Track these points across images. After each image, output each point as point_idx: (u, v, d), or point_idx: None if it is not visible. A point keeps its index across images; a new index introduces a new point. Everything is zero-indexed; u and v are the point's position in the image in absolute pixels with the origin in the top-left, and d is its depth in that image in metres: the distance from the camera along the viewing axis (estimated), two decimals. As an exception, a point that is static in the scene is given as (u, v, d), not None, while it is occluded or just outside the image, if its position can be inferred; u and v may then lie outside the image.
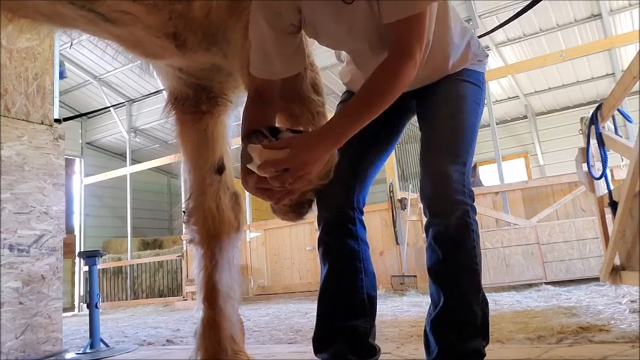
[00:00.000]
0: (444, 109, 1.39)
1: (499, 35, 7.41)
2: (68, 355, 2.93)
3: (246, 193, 1.41)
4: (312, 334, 1.47)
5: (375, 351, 1.45)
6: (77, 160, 10.61)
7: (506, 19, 4.25)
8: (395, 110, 1.36)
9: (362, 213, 1.51)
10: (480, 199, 5.84)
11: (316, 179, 1.20)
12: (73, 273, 9.55)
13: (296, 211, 1.47)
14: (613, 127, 2.65)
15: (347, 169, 1.40)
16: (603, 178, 2.69)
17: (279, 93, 1.49)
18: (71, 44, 6.81)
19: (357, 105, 1.18)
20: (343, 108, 1.20)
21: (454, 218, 1.31)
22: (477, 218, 1.36)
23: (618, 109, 2.49)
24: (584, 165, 2.80)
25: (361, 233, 1.49)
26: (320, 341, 1.44)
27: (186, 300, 7.39)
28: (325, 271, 1.47)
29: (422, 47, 1.18)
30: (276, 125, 1.37)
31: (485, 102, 6.92)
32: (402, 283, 5.80)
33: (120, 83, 9.61)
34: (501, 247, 5.10)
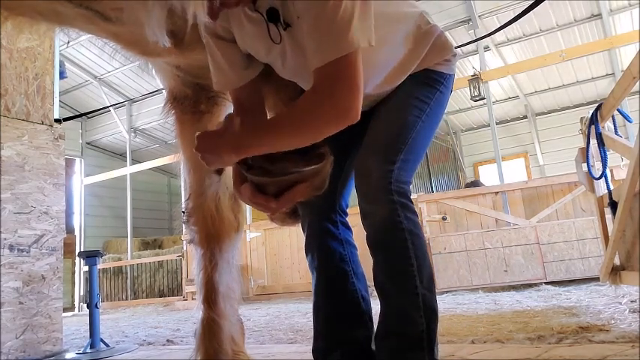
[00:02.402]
0: (383, 108, 1.34)
1: (499, 35, 7.40)
2: (68, 355, 2.93)
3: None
4: (312, 345, 1.45)
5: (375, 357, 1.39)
6: (77, 160, 10.60)
7: (505, 18, 4.25)
8: (370, 113, 1.37)
9: (345, 215, 1.48)
10: (479, 199, 5.84)
11: (311, 189, 1.19)
12: (73, 273, 9.55)
13: (292, 217, 1.48)
14: (613, 127, 2.65)
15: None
16: (603, 178, 2.68)
17: (281, 97, 1.49)
18: (67, 43, 6.81)
19: (268, 133, 1.14)
20: (255, 127, 1.18)
21: (380, 218, 1.25)
22: (412, 216, 1.27)
23: (618, 109, 2.48)
24: (584, 165, 2.79)
25: (345, 235, 1.46)
26: (320, 353, 1.41)
27: (186, 300, 7.38)
28: (315, 279, 1.45)
29: (354, 94, 1.07)
30: None
31: (485, 102, 6.90)
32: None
33: (120, 83, 9.61)
34: (501, 247, 5.10)
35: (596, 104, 2.69)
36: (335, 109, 1.07)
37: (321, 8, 1.06)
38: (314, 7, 1.07)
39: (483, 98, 6.67)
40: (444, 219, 5.80)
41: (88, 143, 10.91)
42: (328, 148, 1.16)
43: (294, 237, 6.85)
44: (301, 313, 4.24)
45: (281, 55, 1.25)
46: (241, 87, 1.35)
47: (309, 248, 1.48)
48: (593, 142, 2.69)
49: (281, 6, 1.16)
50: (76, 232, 10.17)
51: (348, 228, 1.49)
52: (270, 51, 1.25)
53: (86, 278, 7.46)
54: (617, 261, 2.51)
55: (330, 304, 1.43)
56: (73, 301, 9.36)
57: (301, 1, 1.10)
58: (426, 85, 1.37)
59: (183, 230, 7.19)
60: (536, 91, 9.38)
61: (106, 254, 9.45)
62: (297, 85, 1.42)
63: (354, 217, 1.51)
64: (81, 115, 9.73)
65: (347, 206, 1.51)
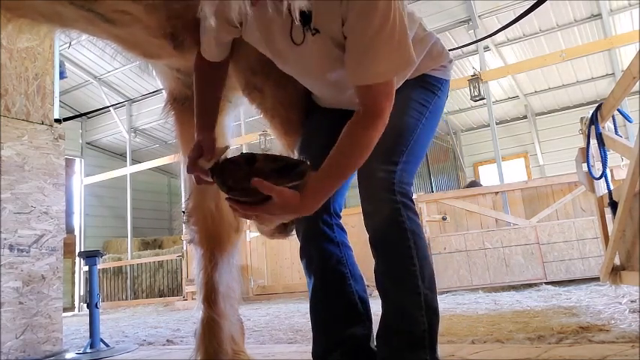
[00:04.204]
0: None
1: (499, 35, 7.40)
2: (68, 355, 2.93)
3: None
4: (311, 348, 1.45)
5: (376, 356, 1.38)
6: (77, 160, 10.61)
7: (505, 18, 4.25)
8: None
9: (339, 217, 1.49)
10: (479, 199, 5.84)
11: None
12: (73, 273, 9.55)
13: (282, 232, 1.49)
14: (613, 127, 2.65)
15: None
16: (603, 178, 2.68)
17: (280, 100, 1.50)
18: (70, 44, 6.82)
19: (330, 171, 1.17)
20: (317, 178, 1.18)
21: (383, 218, 1.27)
22: (414, 217, 1.29)
23: (618, 109, 2.48)
24: (584, 165, 2.79)
25: (341, 237, 1.47)
26: (319, 354, 1.41)
27: (186, 300, 7.38)
28: (312, 282, 1.45)
29: (391, 103, 1.18)
30: (255, 152, 1.39)
31: (485, 102, 6.89)
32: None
33: (120, 83, 9.61)
34: (501, 247, 5.10)
35: (596, 104, 2.69)
36: (383, 122, 1.17)
37: (376, 29, 1.11)
38: (368, 26, 1.12)
39: (483, 98, 6.67)
40: (444, 219, 5.80)
41: (88, 143, 10.91)
42: (308, 165, 1.18)
43: (293, 237, 6.85)
44: (301, 313, 4.24)
45: (297, 54, 1.27)
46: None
47: (304, 252, 1.48)
48: (593, 142, 2.69)
49: (314, 7, 1.17)
50: (76, 232, 10.17)
51: (343, 230, 1.50)
52: (287, 48, 1.27)
53: (86, 278, 7.46)
54: (617, 261, 2.51)
55: (327, 306, 1.43)
56: (73, 301, 9.36)
57: (353, 17, 1.13)
58: (425, 90, 1.41)
59: (183, 230, 7.19)
60: (536, 91, 9.39)
61: (106, 254, 9.45)
62: (296, 88, 1.43)
63: (352, 217, 1.51)
64: (81, 115, 9.74)
65: (341, 209, 1.51)
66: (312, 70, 1.31)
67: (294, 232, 1.53)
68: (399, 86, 1.38)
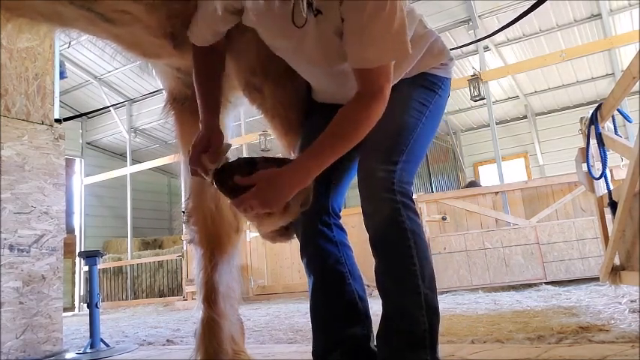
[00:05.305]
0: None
1: (499, 35, 7.40)
2: (68, 355, 2.93)
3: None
4: (311, 348, 1.44)
5: (376, 356, 1.37)
6: (77, 160, 10.61)
7: (505, 18, 4.25)
8: None
9: (339, 217, 1.49)
10: (479, 199, 5.84)
11: (296, 208, 1.24)
12: (74, 273, 9.55)
13: (284, 235, 1.49)
14: (613, 127, 2.65)
15: (320, 176, 1.30)
16: (603, 178, 2.69)
17: (280, 99, 1.50)
18: (69, 44, 6.83)
19: (325, 146, 1.19)
20: (310, 148, 1.20)
21: (383, 218, 1.27)
22: (414, 217, 1.28)
23: (618, 109, 2.48)
24: (584, 165, 2.79)
25: (340, 237, 1.46)
26: (319, 354, 1.41)
27: (186, 300, 7.39)
28: (311, 282, 1.45)
29: (390, 84, 1.20)
30: (254, 156, 1.40)
31: (485, 102, 6.88)
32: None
33: (120, 83, 9.61)
34: (501, 247, 5.10)
35: (596, 104, 2.69)
36: (382, 100, 1.19)
37: (370, 12, 1.13)
38: (361, 7, 1.13)
39: (483, 98, 6.67)
40: (443, 219, 5.80)
41: (88, 143, 10.91)
42: None
43: (293, 238, 6.84)
44: (301, 313, 4.24)
45: (298, 40, 1.26)
46: (210, 52, 1.40)
47: (304, 251, 1.47)
48: (593, 142, 2.69)
49: None
50: (76, 232, 10.17)
51: (342, 230, 1.49)
52: (285, 32, 1.25)
53: (86, 278, 7.46)
54: (617, 261, 2.51)
55: (327, 306, 1.43)
56: (73, 301, 9.36)
57: (350, 2, 1.14)
58: (425, 89, 1.41)
59: (183, 230, 7.19)
60: (536, 91, 9.39)
61: (106, 254, 9.45)
62: (296, 88, 1.43)
63: (352, 217, 1.52)
64: (81, 115, 9.74)
65: (340, 209, 1.51)
66: (313, 56, 1.29)
67: (294, 236, 1.53)
68: (395, 83, 1.38)
